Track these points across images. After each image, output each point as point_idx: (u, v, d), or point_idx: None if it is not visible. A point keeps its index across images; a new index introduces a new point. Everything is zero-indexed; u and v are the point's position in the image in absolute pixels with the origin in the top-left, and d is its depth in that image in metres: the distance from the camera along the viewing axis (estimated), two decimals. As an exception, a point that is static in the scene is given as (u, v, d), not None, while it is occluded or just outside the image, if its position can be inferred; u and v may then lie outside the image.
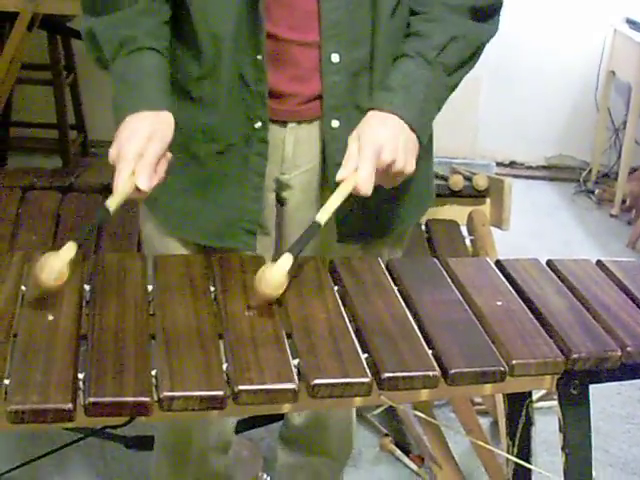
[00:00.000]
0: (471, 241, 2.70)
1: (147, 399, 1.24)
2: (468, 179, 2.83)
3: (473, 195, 2.82)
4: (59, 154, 4.58)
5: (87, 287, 1.48)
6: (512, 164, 5.64)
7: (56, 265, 1.37)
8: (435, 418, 2.86)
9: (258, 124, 1.65)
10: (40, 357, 1.28)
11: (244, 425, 2.52)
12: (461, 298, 1.57)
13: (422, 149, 1.60)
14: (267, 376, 1.29)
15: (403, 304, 1.53)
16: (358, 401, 1.41)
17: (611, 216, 5.05)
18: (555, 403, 1.58)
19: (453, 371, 1.37)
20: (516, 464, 1.71)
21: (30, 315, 1.39)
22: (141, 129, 1.51)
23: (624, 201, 5.06)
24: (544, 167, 5.65)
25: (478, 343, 1.45)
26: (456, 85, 1.68)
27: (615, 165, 5.42)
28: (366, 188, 1.49)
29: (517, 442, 1.71)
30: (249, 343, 1.36)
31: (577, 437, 1.56)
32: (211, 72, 1.64)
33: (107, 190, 1.90)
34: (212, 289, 1.51)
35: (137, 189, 1.47)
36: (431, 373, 1.36)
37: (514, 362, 1.41)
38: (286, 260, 1.44)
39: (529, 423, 1.69)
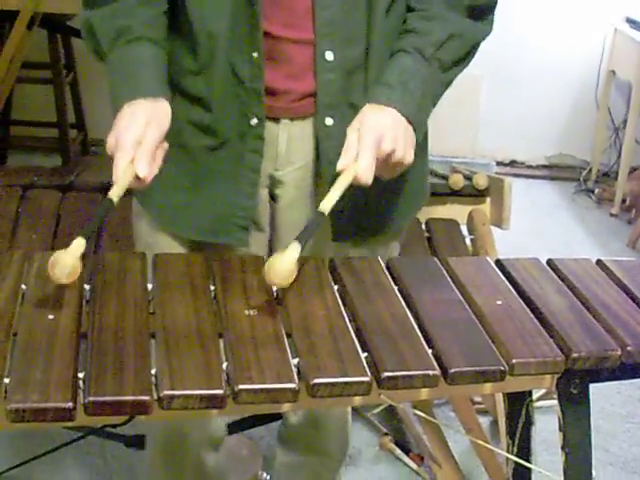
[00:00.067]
0: (471, 240, 2.70)
1: (147, 398, 1.24)
2: (468, 178, 2.83)
3: (473, 194, 2.82)
4: (59, 153, 4.58)
5: (87, 286, 1.48)
6: (512, 163, 5.64)
7: (68, 261, 1.36)
8: (435, 417, 2.86)
9: (254, 121, 1.66)
10: (40, 356, 1.28)
11: (244, 424, 2.52)
12: (461, 297, 1.57)
13: (417, 147, 1.60)
14: (267, 375, 1.29)
15: (403, 303, 1.53)
16: (358, 400, 1.41)
17: (611, 215, 5.05)
18: (555, 402, 1.58)
19: (453, 370, 1.37)
20: (516, 463, 1.71)
21: (30, 314, 1.39)
22: (138, 117, 1.50)
23: (624, 200, 5.07)
24: (544, 166, 5.65)
25: (478, 342, 1.45)
26: (451, 82, 1.68)
27: (615, 164, 5.42)
28: (367, 177, 1.49)
29: (517, 441, 1.71)
30: (249, 342, 1.36)
31: (577, 436, 1.56)
32: (205, 68, 1.64)
33: (107, 189, 1.89)
34: (212, 288, 1.51)
35: (137, 177, 1.46)
36: (431, 372, 1.36)
37: (514, 361, 1.41)
38: (294, 249, 1.43)
39: (529, 422, 1.69)
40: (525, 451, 1.71)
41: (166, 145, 1.53)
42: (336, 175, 1.51)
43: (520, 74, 5.35)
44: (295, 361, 1.34)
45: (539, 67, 5.33)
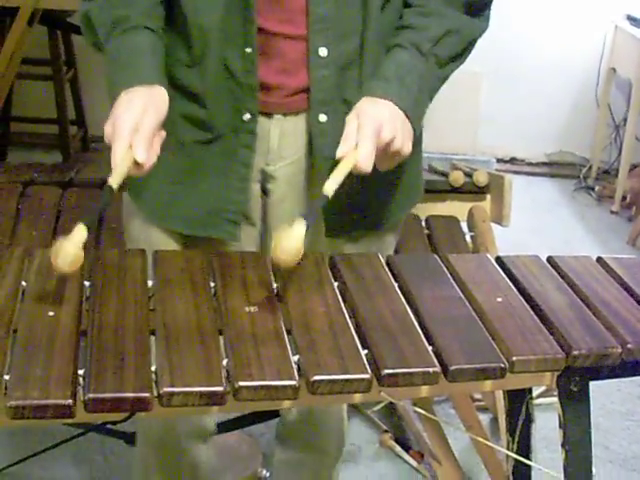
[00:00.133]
0: (471, 237, 2.69)
1: (147, 395, 1.24)
2: (468, 175, 2.83)
3: (473, 191, 2.82)
4: (59, 149, 4.58)
5: (87, 283, 1.48)
6: (512, 160, 5.64)
7: (70, 250, 1.36)
8: (435, 414, 2.86)
9: (247, 116, 1.65)
10: (40, 353, 1.28)
11: (244, 421, 2.52)
12: (461, 294, 1.57)
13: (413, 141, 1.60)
14: (267, 372, 1.29)
15: (403, 300, 1.53)
16: (358, 397, 1.41)
17: (611, 213, 5.06)
18: (555, 400, 1.58)
19: (453, 367, 1.37)
20: (516, 461, 1.71)
21: (30, 311, 1.39)
22: (135, 103, 1.49)
23: (624, 198, 5.07)
24: (544, 163, 5.65)
25: (478, 339, 1.45)
26: (447, 77, 1.69)
27: (615, 162, 5.42)
28: (367, 165, 1.48)
29: (517, 439, 1.71)
30: (249, 339, 1.36)
31: (577, 434, 1.56)
32: (198, 61, 1.64)
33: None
34: (212, 285, 1.51)
35: (136, 164, 1.45)
36: (431, 369, 1.36)
37: (514, 358, 1.41)
38: (300, 226, 1.42)
39: (529, 420, 1.69)
40: (525, 448, 1.71)
41: (163, 133, 1.52)
42: (335, 163, 1.51)
43: (520, 71, 5.35)
44: (295, 358, 1.34)
45: (539, 64, 5.33)
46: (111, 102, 1.53)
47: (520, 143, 5.58)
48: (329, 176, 1.49)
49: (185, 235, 1.76)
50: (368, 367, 1.34)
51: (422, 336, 1.43)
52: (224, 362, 1.31)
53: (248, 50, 1.61)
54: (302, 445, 2.17)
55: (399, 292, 1.55)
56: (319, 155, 1.68)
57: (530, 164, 5.64)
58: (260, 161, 1.72)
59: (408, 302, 1.52)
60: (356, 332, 1.42)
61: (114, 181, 1.43)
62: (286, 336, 1.39)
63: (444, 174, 2.86)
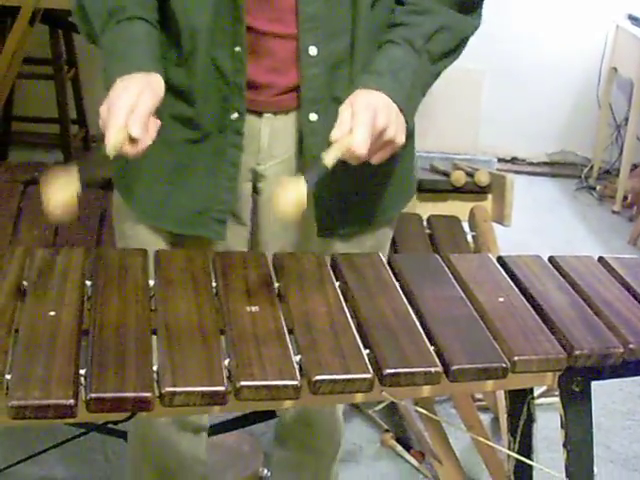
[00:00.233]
0: (473, 237, 2.69)
1: (148, 394, 1.24)
2: (470, 175, 2.83)
3: (475, 191, 2.82)
4: (60, 149, 4.58)
5: (88, 282, 1.48)
6: (514, 160, 5.64)
7: (59, 197, 1.36)
8: (436, 414, 2.86)
9: (234, 115, 1.65)
10: (41, 352, 1.28)
11: (245, 420, 2.52)
12: (463, 294, 1.57)
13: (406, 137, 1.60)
14: (269, 372, 1.29)
15: (405, 300, 1.53)
16: (360, 397, 1.41)
17: (613, 212, 5.05)
18: (555, 399, 1.58)
19: (455, 367, 1.37)
20: (517, 460, 1.71)
21: (31, 310, 1.39)
22: (132, 87, 1.47)
23: (626, 197, 5.06)
24: (546, 163, 5.65)
25: (480, 339, 1.45)
26: (439, 74, 1.69)
27: (617, 161, 5.42)
28: (361, 148, 1.47)
29: (518, 438, 1.70)
30: (251, 339, 1.36)
31: (579, 433, 1.56)
32: (187, 60, 1.63)
33: (109, 185, 1.90)
34: (214, 284, 1.51)
35: (131, 141, 1.43)
36: (433, 369, 1.36)
37: (516, 358, 1.41)
38: (300, 181, 1.42)
39: (530, 419, 1.69)
40: (526, 448, 1.71)
41: (159, 122, 1.51)
42: (329, 145, 1.50)
43: (522, 71, 5.34)
44: (297, 358, 1.34)
45: (541, 64, 5.32)
46: (107, 91, 1.51)
47: (521, 143, 5.57)
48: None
49: (174, 234, 1.76)
50: (370, 367, 1.34)
51: (424, 336, 1.43)
52: (225, 362, 1.31)
53: (237, 49, 1.60)
54: (299, 446, 2.16)
55: (400, 292, 1.55)
56: (309, 154, 1.67)
57: (531, 164, 5.64)
58: (251, 160, 1.72)
59: (410, 302, 1.52)
60: (358, 332, 1.42)
61: (109, 151, 1.42)
62: (287, 336, 1.39)
63: (445, 174, 2.86)
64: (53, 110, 4.51)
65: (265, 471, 2.58)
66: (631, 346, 1.48)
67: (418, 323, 1.46)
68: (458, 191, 2.82)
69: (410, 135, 1.66)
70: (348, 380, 1.31)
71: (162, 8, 1.64)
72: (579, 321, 1.52)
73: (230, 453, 2.63)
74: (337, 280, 1.57)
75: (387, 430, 2.92)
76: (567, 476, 1.57)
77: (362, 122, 1.49)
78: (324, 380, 1.30)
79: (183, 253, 1.61)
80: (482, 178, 2.80)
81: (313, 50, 1.62)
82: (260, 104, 1.67)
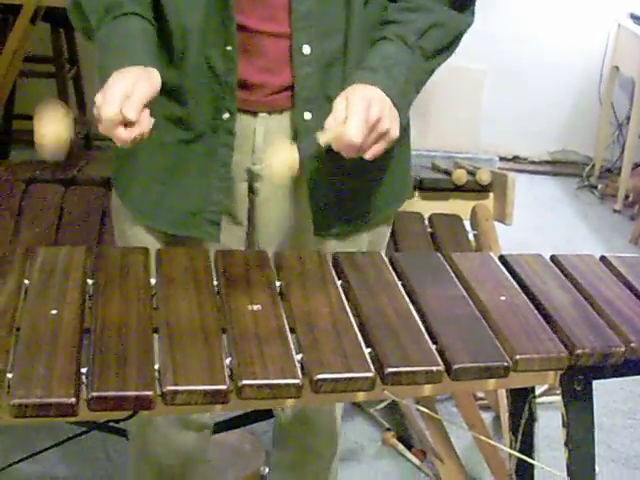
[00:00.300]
0: (474, 236, 2.69)
1: (150, 393, 1.24)
2: (471, 174, 2.83)
3: (476, 190, 2.82)
4: (62, 147, 4.57)
5: (90, 281, 1.48)
6: (515, 159, 5.64)
7: (52, 129, 1.35)
8: (437, 413, 2.86)
9: (226, 115, 1.64)
10: (43, 351, 1.28)
11: (246, 419, 2.52)
12: (465, 293, 1.57)
13: (399, 135, 1.59)
14: (270, 371, 1.29)
15: (406, 299, 1.53)
16: (361, 396, 1.41)
17: (614, 211, 5.05)
18: (557, 398, 1.58)
19: (457, 366, 1.37)
20: (518, 459, 1.71)
21: (33, 309, 1.39)
22: (127, 76, 1.46)
23: (627, 196, 5.07)
24: (547, 162, 5.65)
25: (482, 338, 1.44)
26: (433, 71, 1.68)
27: (618, 160, 5.42)
28: (356, 137, 1.46)
29: (520, 437, 1.70)
30: (252, 337, 1.36)
31: (580, 432, 1.56)
32: (179, 60, 1.63)
33: (110, 183, 1.90)
34: (215, 283, 1.51)
35: (125, 126, 1.42)
36: (435, 368, 1.36)
37: (518, 357, 1.41)
38: (293, 147, 1.43)
39: (532, 418, 1.69)
40: (528, 447, 1.70)
41: (152, 120, 1.50)
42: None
43: (523, 70, 5.34)
44: (299, 357, 1.34)
45: (542, 62, 5.32)
46: (101, 85, 1.50)
47: (523, 141, 5.57)
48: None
49: (170, 235, 1.76)
50: (371, 365, 1.34)
51: (425, 335, 1.43)
52: (227, 361, 1.31)
53: (229, 48, 1.60)
54: (297, 446, 2.15)
55: (402, 291, 1.55)
56: (304, 153, 1.67)
57: (533, 162, 5.64)
58: (246, 160, 1.71)
59: (411, 301, 1.52)
60: (359, 331, 1.42)
61: (102, 129, 1.42)
62: (289, 335, 1.38)
63: (447, 172, 2.86)
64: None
65: (266, 470, 2.58)
66: (633, 345, 1.48)
67: (420, 322, 1.46)
68: (460, 190, 2.82)
69: (405, 133, 1.66)
70: (350, 379, 1.31)
71: (154, 8, 1.64)
72: (581, 320, 1.52)
73: (231, 452, 2.63)
74: (339, 279, 1.57)
75: (388, 429, 2.92)
76: (568, 475, 1.57)
77: (356, 111, 1.48)
78: (326, 379, 1.30)
79: (184, 252, 1.61)
80: (484, 177, 2.79)
81: (307, 49, 1.61)
82: (254, 104, 1.67)
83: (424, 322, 1.46)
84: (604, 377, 1.53)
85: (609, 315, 1.55)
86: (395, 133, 1.54)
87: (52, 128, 1.34)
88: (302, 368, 1.32)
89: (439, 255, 1.70)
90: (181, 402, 1.25)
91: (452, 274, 1.63)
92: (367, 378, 1.32)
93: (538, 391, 1.72)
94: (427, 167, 3.07)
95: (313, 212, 1.71)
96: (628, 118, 5.26)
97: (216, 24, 1.59)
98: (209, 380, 1.27)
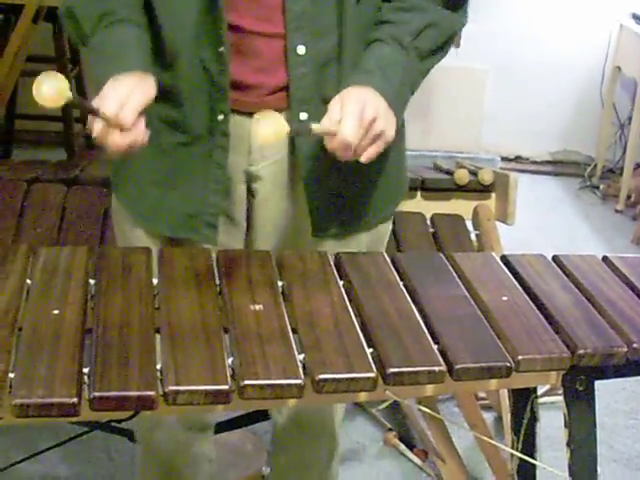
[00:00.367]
0: (476, 236, 2.69)
1: (152, 393, 1.24)
2: (473, 173, 2.82)
3: (478, 190, 2.82)
4: (64, 147, 4.58)
5: (92, 281, 1.48)
6: (517, 159, 5.64)
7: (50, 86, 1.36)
8: (439, 413, 2.86)
9: (220, 116, 1.64)
10: (45, 351, 1.28)
11: (248, 419, 2.52)
12: (467, 293, 1.57)
13: (395, 135, 1.60)
14: (273, 371, 1.29)
15: (409, 299, 1.53)
16: (363, 396, 1.41)
17: (616, 212, 5.05)
18: (558, 398, 1.57)
19: (458, 366, 1.37)
20: (520, 459, 1.71)
21: (35, 309, 1.39)
22: (122, 84, 1.47)
23: (629, 197, 5.06)
24: (549, 162, 5.65)
25: (484, 338, 1.44)
26: (428, 71, 1.69)
27: (620, 160, 5.42)
28: (351, 137, 1.47)
29: (521, 437, 1.70)
30: (254, 337, 1.36)
31: (582, 433, 1.56)
32: (171, 64, 1.63)
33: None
34: (217, 283, 1.51)
35: (120, 134, 1.43)
36: (437, 368, 1.36)
37: (520, 358, 1.41)
38: (282, 119, 1.45)
39: (534, 418, 1.69)
40: (529, 447, 1.70)
41: (148, 132, 1.50)
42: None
43: (525, 70, 5.34)
44: (301, 357, 1.34)
45: (544, 63, 5.32)
46: (96, 93, 1.50)
47: (525, 141, 5.57)
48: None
49: (169, 237, 1.76)
50: (373, 366, 1.34)
51: (427, 335, 1.43)
52: (229, 360, 1.31)
53: (221, 49, 1.60)
54: (295, 451, 2.15)
55: (404, 291, 1.55)
56: (301, 154, 1.67)
57: (534, 162, 5.64)
58: (242, 162, 1.71)
59: (413, 301, 1.52)
60: (361, 331, 1.42)
61: (95, 136, 1.43)
62: (291, 335, 1.38)
63: (449, 172, 2.86)
64: (56, 108, 4.50)
65: (268, 470, 2.58)
66: (635, 345, 1.48)
67: (422, 322, 1.46)
68: (461, 190, 2.81)
69: (399, 133, 1.66)
70: (352, 379, 1.31)
71: (147, 11, 1.64)
72: (583, 320, 1.52)
73: (233, 452, 2.64)
74: (341, 279, 1.57)
75: (390, 429, 2.92)
76: (570, 475, 1.57)
77: (351, 112, 1.49)
78: (328, 379, 1.30)
79: (186, 252, 1.61)
80: (485, 177, 2.79)
81: (301, 49, 1.61)
82: (249, 105, 1.66)
83: (426, 322, 1.46)
84: (606, 377, 1.53)
85: (611, 315, 1.55)
86: (391, 134, 1.54)
87: (50, 86, 1.35)
88: (304, 368, 1.32)
89: (441, 255, 1.70)
90: (183, 402, 1.25)
91: (454, 274, 1.63)
92: (369, 378, 1.32)
93: (540, 391, 1.72)
94: (429, 167, 3.07)
95: (311, 213, 1.71)
96: (630, 118, 5.25)
97: (209, 26, 1.59)
98: (211, 380, 1.27)
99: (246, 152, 1.70)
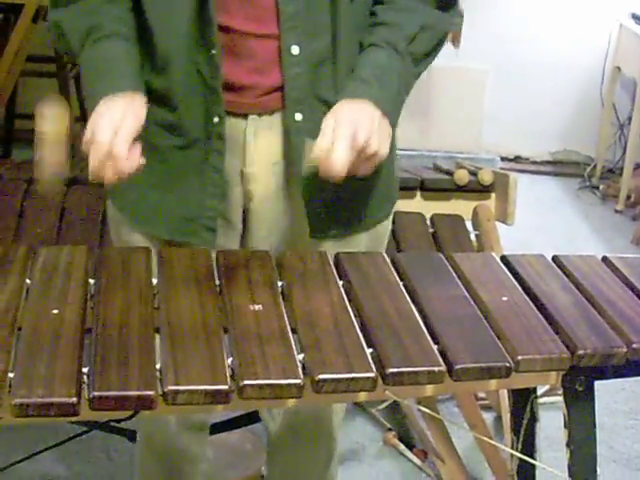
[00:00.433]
0: (476, 236, 2.69)
1: (151, 393, 1.24)
2: (473, 174, 2.82)
3: (478, 190, 2.82)
4: (64, 147, 4.58)
5: (92, 281, 1.48)
6: (517, 159, 5.64)
7: (52, 127, 1.36)
8: (439, 413, 2.86)
9: (216, 119, 1.64)
10: (45, 351, 1.28)
11: (247, 419, 2.52)
12: (466, 293, 1.57)
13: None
14: (272, 371, 1.29)
15: (408, 299, 1.53)
16: (363, 396, 1.40)
17: (616, 212, 5.05)
18: (558, 399, 1.57)
19: (458, 366, 1.37)
20: (520, 459, 1.71)
21: (35, 308, 1.39)
22: (114, 110, 1.49)
23: (629, 197, 5.07)
24: (549, 162, 5.65)
25: (483, 339, 1.44)
26: (420, 74, 1.69)
27: (620, 161, 5.42)
28: (340, 166, 1.47)
29: (521, 437, 1.70)
30: (254, 337, 1.36)
31: (582, 433, 1.56)
32: (164, 68, 1.63)
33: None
34: (217, 283, 1.51)
35: (114, 163, 1.45)
36: (436, 368, 1.36)
37: (519, 358, 1.41)
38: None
39: (533, 419, 1.69)
40: (529, 447, 1.70)
41: (139, 146, 1.51)
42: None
43: (525, 70, 5.34)
44: (300, 357, 1.33)
45: (544, 63, 5.32)
46: (89, 111, 1.53)
47: (524, 142, 5.57)
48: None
49: (167, 241, 1.75)
50: (373, 366, 1.34)
51: (427, 335, 1.43)
52: (229, 360, 1.31)
53: (213, 52, 1.60)
54: (291, 455, 2.14)
55: (404, 291, 1.55)
56: (297, 155, 1.67)
57: (534, 163, 5.64)
58: (238, 163, 1.71)
59: (413, 301, 1.52)
60: (361, 331, 1.42)
61: (91, 176, 1.46)
62: (291, 335, 1.38)
63: (449, 172, 2.86)
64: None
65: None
66: (635, 346, 1.48)
67: (421, 322, 1.46)
68: (461, 190, 2.81)
69: (392, 139, 1.66)
70: (351, 379, 1.31)
71: (138, 16, 1.64)
72: (583, 321, 1.52)
73: (233, 452, 2.64)
74: (340, 279, 1.57)
75: (390, 429, 2.92)
76: (570, 475, 1.57)
77: (343, 136, 1.49)
78: (327, 379, 1.30)
79: (186, 251, 1.61)
80: (485, 177, 2.79)
81: (295, 49, 1.61)
82: (244, 106, 1.66)
83: (426, 322, 1.46)
84: (606, 378, 1.53)
85: (611, 316, 1.55)
86: (384, 151, 1.55)
87: (52, 127, 1.35)
88: (304, 368, 1.32)
89: (441, 255, 1.70)
90: (182, 402, 1.25)
91: (454, 274, 1.63)
92: (369, 378, 1.32)
93: (540, 391, 1.72)
94: (429, 167, 3.07)
95: (308, 214, 1.70)
96: (630, 118, 5.25)
97: (200, 29, 1.59)
98: (210, 380, 1.27)
99: (241, 153, 1.70)
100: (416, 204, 2.76)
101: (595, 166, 5.47)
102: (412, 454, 2.83)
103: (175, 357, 1.30)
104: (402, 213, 2.53)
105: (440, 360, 1.37)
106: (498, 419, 2.94)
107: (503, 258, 1.71)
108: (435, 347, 1.40)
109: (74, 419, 1.25)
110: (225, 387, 1.26)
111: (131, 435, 2.44)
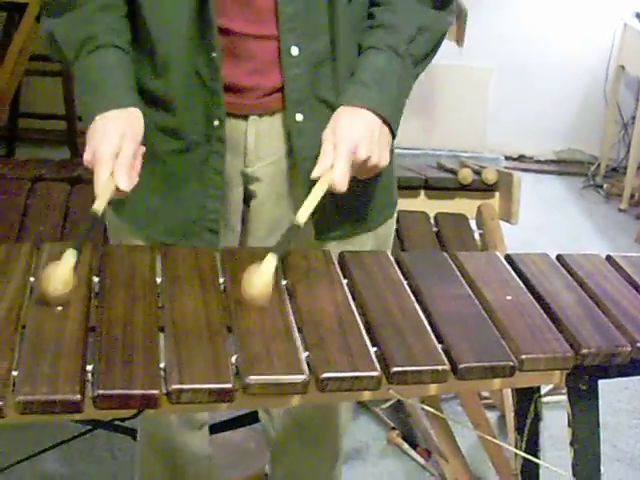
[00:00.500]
0: (480, 235, 2.69)
1: (155, 392, 1.24)
2: (477, 173, 2.82)
3: (482, 189, 2.82)
4: (67, 145, 4.58)
5: (96, 279, 1.48)
6: (521, 158, 5.64)
7: (60, 274, 1.37)
8: (442, 412, 2.86)
9: (216, 122, 1.64)
10: (48, 349, 1.28)
11: (251, 418, 2.52)
12: (470, 292, 1.56)
13: None
14: (276, 368, 1.29)
15: (412, 298, 1.52)
16: (367, 395, 1.40)
17: (619, 210, 5.05)
18: (562, 398, 1.57)
19: (462, 366, 1.37)
20: (524, 459, 1.71)
21: (39, 307, 1.39)
22: (113, 129, 1.51)
23: (633, 195, 5.07)
24: (553, 161, 5.65)
25: (487, 338, 1.44)
26: (419, 75, 1.69)
27: (624, 159, 5.42)
28: (342, 185, 1.51)
29: (525, 437, 1.70)
30: (258, 335, 1.36)
31: (586, 432, 1.56)
32: (164, 72, 1.63)
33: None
34: (221, 281, 1.51)
35: (118, 189, 1.48)
36: (440, 367, 1.36)
37: (523, 357, 1.41)
38: (271, 260, 1.44)
39: (537, 418, 1.68)
40: (533, 446, 1.70)
41: (143, 149, 1.54)
42: (312, 183, 1.53)
43: (529, 69, 5.34)
44: (305, 355, 1.33)
45: (548, 62, 5.32)
46: (85, 123, 1.55)
47: (528, 141, 5.57)
48: (305, 192, 1.52)
49: (168, 244, 1.75)
50: (377, 365, 1.34)
51: (431, 334, 1.43)
52: (233, 359, 1.31)
53: (213, 55, 1.59)
54: (295, 460, 2.13)
55: (408, 290, 1.55)
56: (298, 155, 1.67)
57: (538, 162, 5.64)
58: (239, 163, 1.71)
59: (417, 300, 1.52)
60: (365, 330, 1.42)
61: (99, 207, 1.47)
62: (295, 333, 1.38)
63: (453, 172, 2.86)
64: (60, 107, 4.51)
65: (271, 468, 2.58)
66: (639, 345, 1.48)
67: (426, 321, 1.46)
68: (465, 189, 2.81)
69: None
70: (355, 378, 1.31)
71: (135, 21, 1.64)
72: (587, 319, 1.52)
73: (236, 450, 2.64)
74: (345, 278, 1.57)
75: (393, 428, 2.92)
76: (574, 474, 1.57)
77: (342, 155, 1.51)
78: (331, 377, 1.30)
79: (190, 250, 1.61)
80: (489, 176, 2.79)
81: (295, 50, 1.61)
82: (245, 107, 1.66)
83: (430, 321, 1.46)
84: (610, 377, 1.53)
85: (615, 315, 1.55)
86: (385, 162, 1.57)
87: (59, 286, 1.39)
88: (308, 366, 1.32)
89: (445, 254, 1.70)
90: (186, 401, 1.25)
91: (458, 273, 1.63)
92: (373, 377, 1.32)
93: (543, 390, 1.72)
94: (433, 166, 3.07)
95: (312, 215, 1.70)
96: (634, 117, 5.25)
97: (200, 32, 1.59)
98: (214, 379, 1.27)
99: (242, 153, 1.70)
100: (420, 203, 2.76)
101: (599, 165, 5.46)
102: (416, 453, 2.83)
103: (179, 356, 1.30)
104: (406, 212, 2.53)
105: (444, 359, 1.37)
106: (502, 418, 2.93)
107: (507, 257, 1.71)
108: (439, 346, 1.40)
109: (78, 418, 1.25)
110: (229, 386, 1.26)
111: (135, 434, 2.44)
